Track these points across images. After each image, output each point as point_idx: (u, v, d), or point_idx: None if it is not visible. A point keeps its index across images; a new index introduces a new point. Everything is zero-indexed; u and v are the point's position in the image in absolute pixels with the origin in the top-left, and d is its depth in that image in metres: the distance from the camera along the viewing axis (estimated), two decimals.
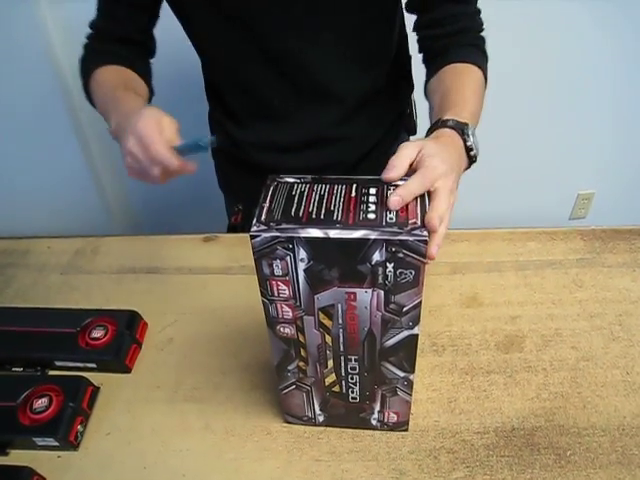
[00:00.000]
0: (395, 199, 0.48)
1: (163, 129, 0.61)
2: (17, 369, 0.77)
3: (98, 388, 0.73)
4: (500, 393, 0.70)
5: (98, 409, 0.71)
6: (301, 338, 0.56)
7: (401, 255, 0.46)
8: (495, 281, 0.85)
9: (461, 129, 0.62)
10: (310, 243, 0.47)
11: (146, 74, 0.84)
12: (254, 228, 0.47)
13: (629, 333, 0.77)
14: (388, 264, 0.47)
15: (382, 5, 0.79)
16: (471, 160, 0.64)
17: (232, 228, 1.08)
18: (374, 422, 0.65)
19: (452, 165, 0.56)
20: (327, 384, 0.61)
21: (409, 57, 0.95)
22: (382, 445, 0.65)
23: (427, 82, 0.79)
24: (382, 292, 0.50)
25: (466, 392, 0.70)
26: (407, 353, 0.56)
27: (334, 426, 0.67)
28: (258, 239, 0.47)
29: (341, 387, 0.61)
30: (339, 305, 0.52)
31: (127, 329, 0.77)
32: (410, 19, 0.83)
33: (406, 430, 0.66)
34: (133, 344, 0.77)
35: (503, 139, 1.74)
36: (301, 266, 0.49)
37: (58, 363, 0.76)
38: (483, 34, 0.79)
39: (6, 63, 1.51)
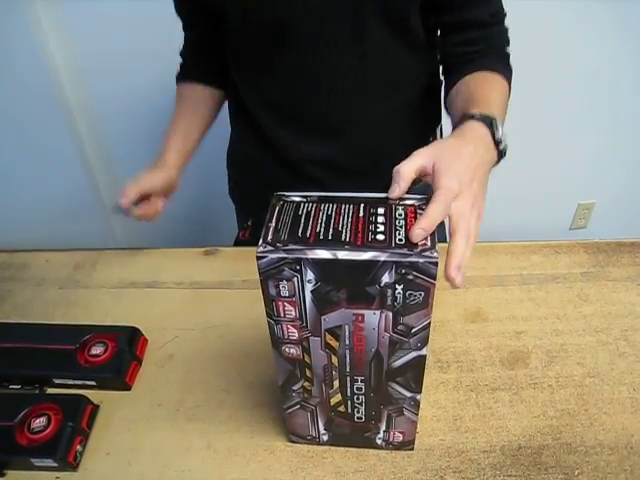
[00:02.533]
0: (419, 232, 0.46)
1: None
2: (15, 387, 0.75)
3: (97, 406, 0.72)
4: (506, 410, 0.69)
5: (97, 428, 0.70)
6: (307, 359, 0.55)
7: (411, 277, 0.45)
8: (499, 296, 0.85)
9: (489, 121, 0.60)
10: (318, 264, 0.46)
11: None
12: (260, 249, 0.46)
13: (635, 349, 0.76)
14: (397, 286, 0.46)
15: (410, 38, 0.79)
16: (500, 154, 0.61)
17: (239, 243, 1.07)
18: (379, 441, 0.64)
19: (472, 173, 0.54)
20: (332, 404, 0.60)
21: (439, 88, 0.94)
22: (387, 465, 0.64)
23: (449, 91, 0.78)
24: (391, 313, 0.49)
25: (472, 409, 0.69)
26: (414, 374, 0.55)
27: (338, 445, 0.66)
28: (265, 260, 0.46)
29: (346, 407, 0.60)
30: (346, 326, 0.50)
31: (127, 346, 0.76)
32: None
33: (412, 449, 0.65)
34: (133, 361, 0.76)
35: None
36: (308, 287, 0.48)
37: (57, 381, 0.75)
38: (508, 50, 0.80)
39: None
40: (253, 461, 0.65)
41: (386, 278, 0.46)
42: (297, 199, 0.52)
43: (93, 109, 1.60)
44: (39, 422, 0.66)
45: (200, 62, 0.96)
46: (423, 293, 0.47)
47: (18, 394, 0.74)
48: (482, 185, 0.56)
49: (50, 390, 0.75)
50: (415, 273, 0.45)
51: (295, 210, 0.50)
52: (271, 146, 0.91)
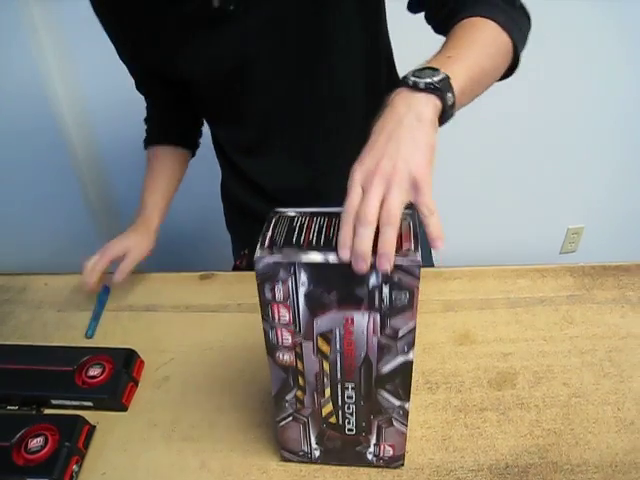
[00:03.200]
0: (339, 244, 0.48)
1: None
2: (12, 408, 0.77)
3: (94, 427, 0.73)
4: (493, 430, 0.71)
5: (94, 448, 0.71)
6: (299, 365, 0.57)
7: (396, 279, 0.49)
8: (487, 318, 0.87)
9: (404, 81, 0.54)
10: (311, 267, 0.49)
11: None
12: (258, 253, 0.50)
13: (619, 369, 0.78)
14: (384, 287, 0.49)
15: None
16: (434, 93, 0.53)
17: (236, 269, 1.09)
18: (370, 456, 0.65)
19: (378, 156, 0.50)
20: (324, 415, 0.62)
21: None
22: None
23: None
24: (378, 315, 0.52)
25: (460, 429, 0.71)
26: (402, 380, 0.57)
27: (330, 464, 0.67)
28: (262, 263, 0.50)
29: (337, 418, 0.62)
30: (337, 330, 0.53)
31: (124, 367, 0.78)
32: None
33: (402, 465, 0.66)
34: (130, 382, 0.78)
35: (494, 173, 1.78)
36: (302, 290, 0.51)
37: (54, 402, 0.76)
38: None
39: None
40: None
41: (373, 280, 0.49)
42: (292, 214, 0.55)
43: (91, 135, 1.63)
44: (36, 442, 0.67)
45: (167, 128, 1.01)
46: (408, 294, 0.50)
47: (15, 414, 0.76)
48: (403, 140, 0.50)
49: (47, 411, 0.76)
50: (400, 275, 0.48)
51: (290, 222, 0.54)
52: (250, 182, 0.94)
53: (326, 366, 0.57)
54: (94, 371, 0.77)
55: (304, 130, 0.86)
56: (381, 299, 0.50)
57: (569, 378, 0.77)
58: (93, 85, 1.53)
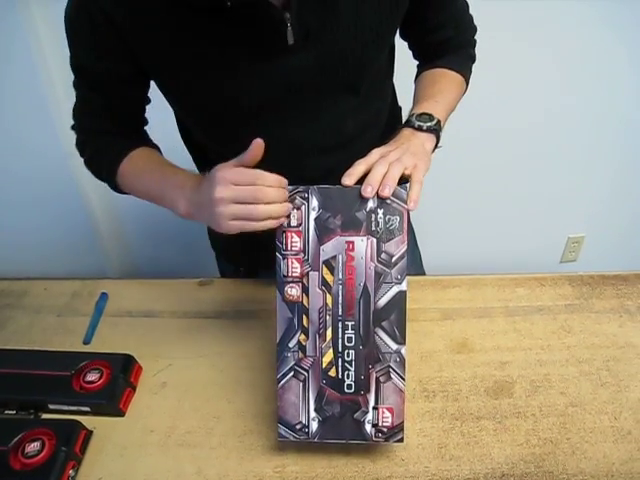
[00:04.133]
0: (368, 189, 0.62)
1: None
2: (10, 412, 0.77)
3: (91, 432, 0.74)
4: (490, 439, 0.71)
5: (90, 453, 0.72)
6: (305, 301, 0.64)
7: (389, 201, 0.62)
8: (485, 327, 0.87)
9: (410, 124, 0.74)
10: (321, 192, 0.63)
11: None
12: None
13: (617, 379, 0.78)
14: (379, 210, 0.62)
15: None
16: (433, 132, 0.73)
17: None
18: (368, 428, 0.65)
19: (397, 146, 0.68)
20: (324, 365, 0.64)
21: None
22: None
23: (419, 73, 0.89)
24: (375, 240, 0.62)
25: (456, 438, 0.71)
26: (397, 316, 0.63)
27: (327, 440, 0.65)
28: None
29: (337, 369, 0.64)
30: (340, 256, 0.63)
31: (122, 373, 0.78)
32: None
33: (401, 441, 0.65)
34: (127, 388, 0.78)
35: (495, 183, 1.78)
36: (312, 215, 0.63)
37: (52, 406, 0.77)
38: (475, 37, 0.88)
39: None
40: None
41: (370, 203, 0.62)
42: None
43: None
44: (33, 447, 0.68)
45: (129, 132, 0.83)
46: (398, 217, 0.62)
47: (13, 419, 0.76)
48: (411, 149, 0.68)
49: (45, 415, 0.76)
50: (391, 198, 0.62)
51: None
52: None
53: (329, 300, 0.64)
54: (92, 376, 0.77)
55: (324, 159, 0.81)
56: (377, 222, 0.62)
57: (566, 387, 0.77)
58: None
